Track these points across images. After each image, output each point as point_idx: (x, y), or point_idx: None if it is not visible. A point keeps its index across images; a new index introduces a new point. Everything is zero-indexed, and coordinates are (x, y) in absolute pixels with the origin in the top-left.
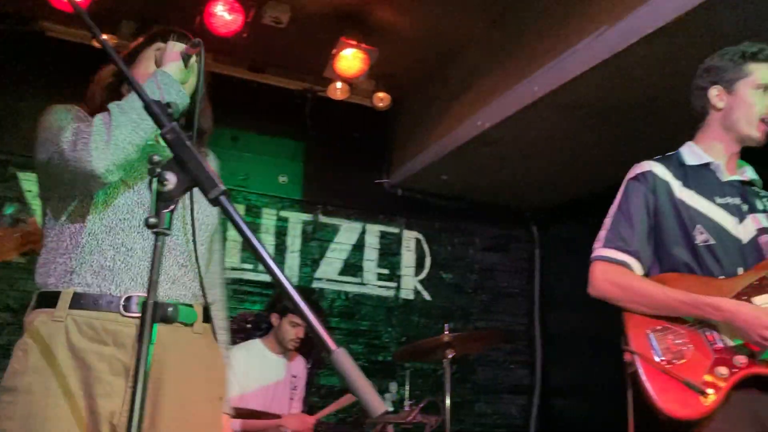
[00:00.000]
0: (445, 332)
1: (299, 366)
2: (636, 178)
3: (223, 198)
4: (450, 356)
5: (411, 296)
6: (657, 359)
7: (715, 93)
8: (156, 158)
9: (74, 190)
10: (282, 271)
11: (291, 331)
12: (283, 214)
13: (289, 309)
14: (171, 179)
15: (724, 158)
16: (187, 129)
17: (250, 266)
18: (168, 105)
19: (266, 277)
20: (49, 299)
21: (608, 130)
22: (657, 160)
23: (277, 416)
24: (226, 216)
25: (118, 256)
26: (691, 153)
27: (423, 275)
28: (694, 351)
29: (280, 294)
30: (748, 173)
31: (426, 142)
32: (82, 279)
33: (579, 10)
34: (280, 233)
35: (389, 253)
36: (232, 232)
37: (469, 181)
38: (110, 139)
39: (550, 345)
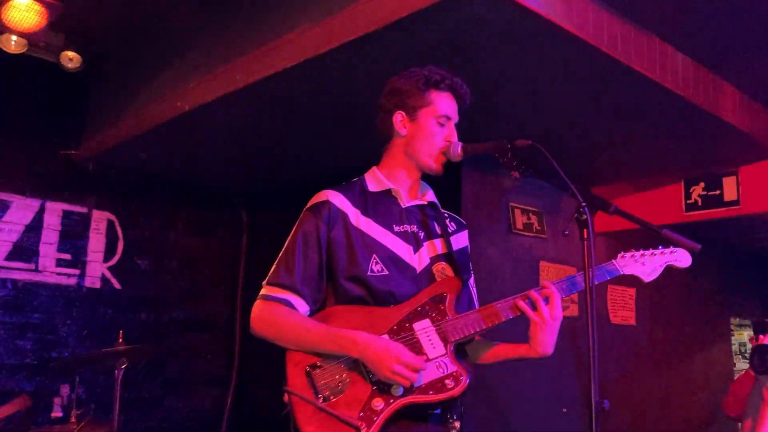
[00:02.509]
0: (119, 341)
1: None
2: (311, 209)
3: None
4: (123, 366)
5: (97, 285)
6: (315, 397)
7: (399, 119)
8: None
9: None
10: None
11: None
12: None
13: None
14: None
15: (407, 184)
16: None
17: None
18: None
19: None
20: None
21: (308, 127)
22: (338, 189)
23: None
24: None
25: None
26: (375, 179)
27: (114, 261)
28: (352, 385)
29: None
30: (429, 196)
31: (124, 114)
32: None
33: (285, 4)
34: None
35: (73, 235)
36: None
37: (171, 161)
38: None
39: (248, 334)
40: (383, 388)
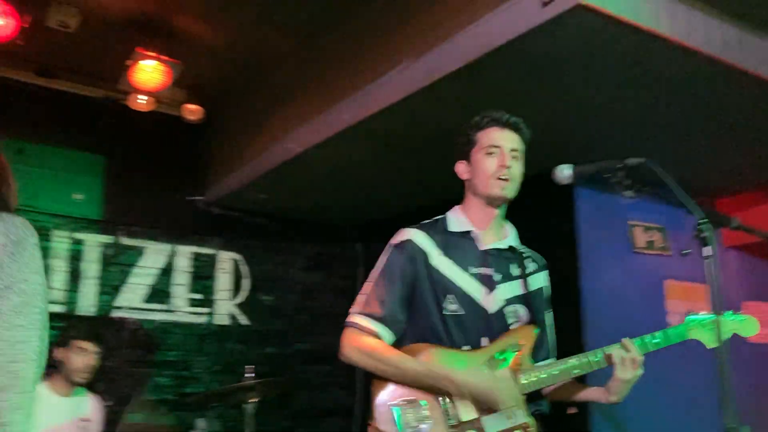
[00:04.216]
0: (247, 375)
1: (92, 407)
2: (396, 245)
3: None
4: (254, 401)
5: (226, 321)
6: None
7: (460, 168)
8: None
9: None
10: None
11: (77, 360)
12: (78, 236)
13: (74, 337)
14: None
15: (485, 224)
16: None
17: None
18: None
19: (58, 308)
20: None
21: (413, 157)
22: (421, 227)
23: None
24: None
25: None
26: (455, 219)
27: (240, 299)
28: (433, 426)
29: (66, 325)
30: (509, 239)
31: (242, 159)
32: None
33: (383, 42)
34: (74, 258)
35: (202, 276)
36: None
37: (287, 200)
38: None
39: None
40: None
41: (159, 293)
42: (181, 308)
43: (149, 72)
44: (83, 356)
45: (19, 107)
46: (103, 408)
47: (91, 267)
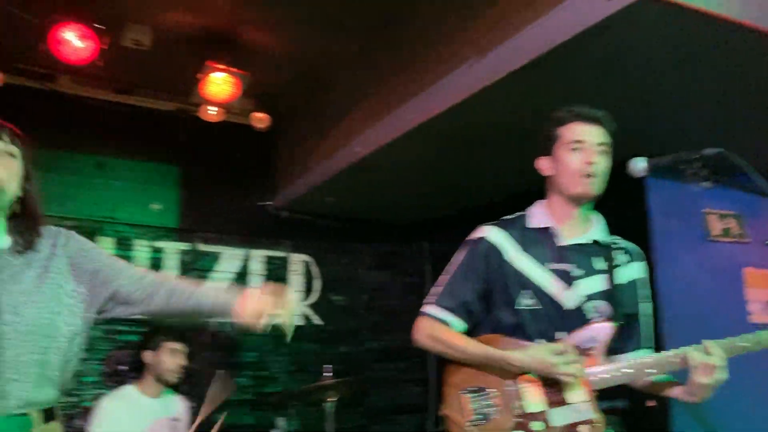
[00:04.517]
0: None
1: (180, 407)
2: (472, 242)
3: None
4: (332, 399)
5: (300, 322)
6: (464, 421)
7: (543, 164)
8: None
9: None
10: None
11: (170, 361)
12: (158, 244)
13: (165, 339)
14: None
15: (567, 220)
16: (24, 217)
17: None
18: None
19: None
20: None
21: (479, 154)
22: (499, 223)
23: None
24: None
25: None
26: (536, 215)
27: (312, 299)
28: (499, 415)
29: (153, 328)
30: (593, 233)
31: (309, 164)
32: None
33: (446, 42)
34: (155, 265)
35: (276, 278)
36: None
37: (354, 202)
38: None
39: (443, 360)
40: (523, 423)
41: None
42: None
43: (219, 84)
44: (175, 357)
45: (98, 124)
46: (190, 408)
47: (171, 273)
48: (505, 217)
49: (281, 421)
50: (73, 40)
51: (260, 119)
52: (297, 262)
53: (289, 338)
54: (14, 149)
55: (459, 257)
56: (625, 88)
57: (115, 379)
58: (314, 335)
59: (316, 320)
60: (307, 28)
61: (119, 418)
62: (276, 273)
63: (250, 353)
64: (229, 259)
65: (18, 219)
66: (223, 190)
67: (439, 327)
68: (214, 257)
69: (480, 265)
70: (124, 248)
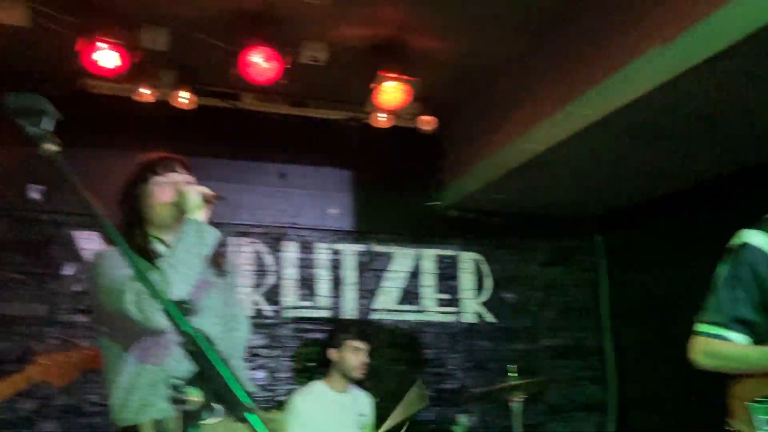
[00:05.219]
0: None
1: (366, 402)
2: (735, 250)
3: (249, 417)
4: (518, 399)
5: (474, 320)
6: None
7: None
8: (176, 381)
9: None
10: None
11: (354, 358)
12: (336, 246)
13: (348, 337)
14: (195, 397)
15: None
16: None
17: (308, 303)
18: (183, 302)
19: (325, 313)
20: None
21: (660, 145)
22: (758, 226)
23: None
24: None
25: None
26: None
27: (484, 297)
28: None
29: (336, 327)
30: None
31: (476, 162)
32: None
33: (625, 32)
34: (335, 267)
35: (447, 277)
36: (288, 270)
37: (523, 198)
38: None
39: (622, 358)
40: None
41: (410, 295)
42: (431, 308)
43: (391, 92)
44: (357, 354)
45: (279, 137)
46: (374, 404)
47: (350, 274)
48: (765, 216)
49: (463, 418)
50: (260, 62)
51: (427, 122)
52: (467, 260)
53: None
54: (190, 177)
55: (722, 269)
56: None
57: (304, 374)
58: (488, 333)
59: (489, 318)
60: (473, 29)
61: (311, 412)
62: (447, 272)
63: (426, 350)
64: (402, 258)
65: None
66: (394, 192)
67: (715, 342)
68: (387, 257)
69: (747, 275)
70: (306, 251)
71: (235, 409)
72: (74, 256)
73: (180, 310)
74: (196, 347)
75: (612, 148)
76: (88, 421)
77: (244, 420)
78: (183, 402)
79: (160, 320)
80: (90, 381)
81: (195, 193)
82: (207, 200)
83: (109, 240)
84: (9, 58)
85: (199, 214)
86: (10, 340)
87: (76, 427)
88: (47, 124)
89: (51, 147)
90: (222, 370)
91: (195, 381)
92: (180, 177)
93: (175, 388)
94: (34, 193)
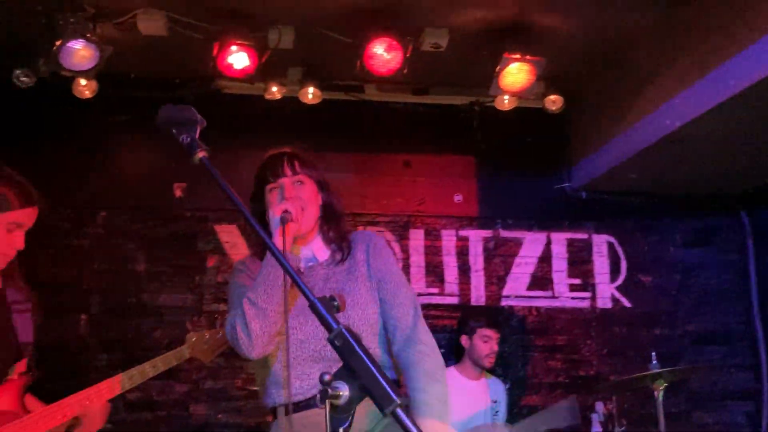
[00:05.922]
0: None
1: (498, 389)
2: None
3: (399, 412)
4: (660, 389)
5: (608, 305)
6: None
7: None
8: (326, 377)
9: None
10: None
11: (484, 346)
12: (463, 233)
13: (478, 325)
14: (344, 392)
15: None
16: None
17: (435, 290)
18: (332, 299)
19: (453, 300)
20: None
21: None
22: None
23: None
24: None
25: None
26: None
27: (620, 281)
28: None
29: (466, 314)
30: None
31: (607, 142)
32: None
33: None
34: (462, 253)
35: (580, 261)
36: (415, 258)
37: (659, 176)
38: (250, 333)
39: None
40: None
41: (540, 280)
42: (563, 294)
43: (516, 74)
44: (488, 343)
45: (402, 126)
46: (507, 391)
47: (477, 260)
48: None
49: (600, 406)
50: (383, 53)
51: (554, 101)
52: (600, 243)
53: None
54: (300, 177)
55: None
56: None
57: None
58: (624, 318)
59: (625, 302)
60: (598, 6)
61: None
62: (579, 256)
63: (559, 336)
64: (531, 243)
65: (326, 229)
66: (519, 176)
67: None
68: (516, 242)
69: None
70: (432, 238)
71: (383, 402)
72: (217, 248)
73: (327, 306)
74: (344, 342)
75: (754, 120)
76: (234, 405)
77: (393, 414)
78: (332, 396)
79: (248, 353)
80: (233, 367)
81: (274, 218)
82: (284, 220)
83: (256, 241)
84: (151, 65)
85: (279, 240)
86: (162, 328)
87: (224, 409)
88: (195, 132)
89: (202, 154)
90: (369, 365)
91: (343, 375)
92: (288, 180)
93: (324, 382)
94: (179, 191)
